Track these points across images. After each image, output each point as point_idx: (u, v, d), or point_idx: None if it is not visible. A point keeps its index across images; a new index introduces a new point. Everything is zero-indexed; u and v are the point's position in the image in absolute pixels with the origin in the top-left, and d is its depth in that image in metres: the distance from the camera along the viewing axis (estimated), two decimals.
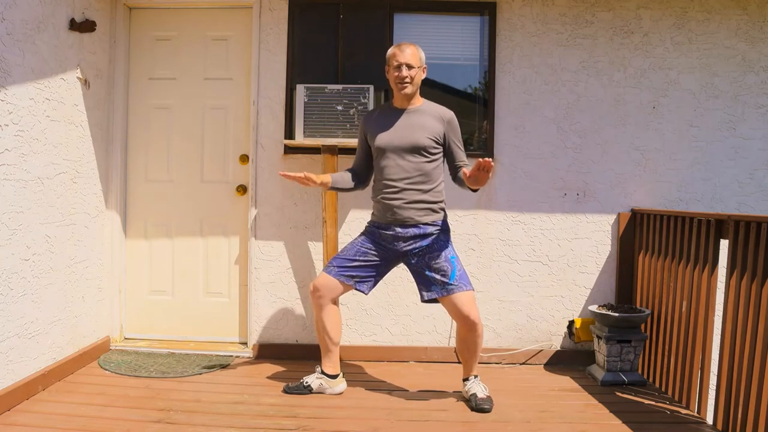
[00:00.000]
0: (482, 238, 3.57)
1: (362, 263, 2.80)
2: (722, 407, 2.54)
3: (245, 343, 3.66)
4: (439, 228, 2.78)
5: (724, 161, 3.56)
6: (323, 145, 3.34)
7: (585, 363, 3.51)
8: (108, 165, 3.58)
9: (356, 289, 2.82)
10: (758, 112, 3.56)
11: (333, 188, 2.88)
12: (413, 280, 2.84)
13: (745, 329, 2.41)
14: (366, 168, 2.95)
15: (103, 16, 3.46)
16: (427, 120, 2.77)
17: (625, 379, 3.16)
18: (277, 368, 3.33)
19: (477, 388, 2.81)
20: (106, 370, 3.21)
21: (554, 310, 3.58)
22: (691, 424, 2.65)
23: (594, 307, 3.30)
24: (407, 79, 2.73)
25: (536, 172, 3.56)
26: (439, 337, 3.59)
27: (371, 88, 3.29)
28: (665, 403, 2.91)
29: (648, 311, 3.20)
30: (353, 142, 3.22)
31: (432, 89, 3.48)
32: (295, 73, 3.55)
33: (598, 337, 3.24)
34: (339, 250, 3.21)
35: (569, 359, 3.55)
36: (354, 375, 3.24)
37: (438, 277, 2.72)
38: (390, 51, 2.79)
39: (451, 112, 2.82)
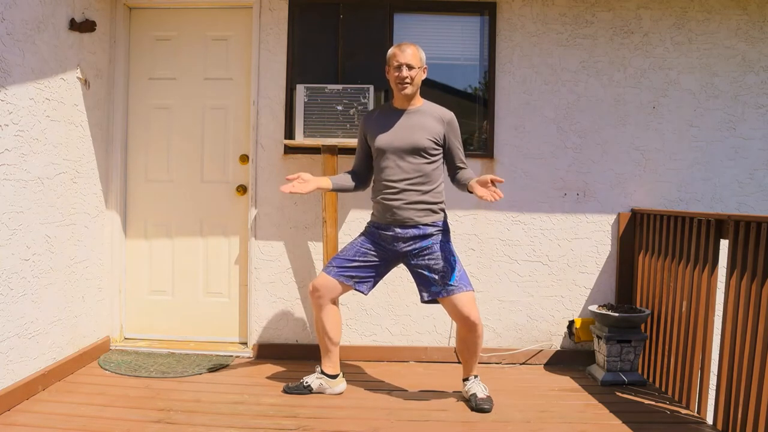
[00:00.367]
0: (482, 238, 3.57)
1: (362, 263, 2.80)
2: (722, 407, 2.54)
3: (245, 343, 3.66)
4: (439, 229, 2.78)
5: (724, 161, 3.56)
6: (323, 145, 3.34)
7: (585, 363, 3.51)
8: (108, 165, 3.58)
9: (355, 290, 2.82)
10: (758, 112, 3.56)
11: (333, 190, 2.88)
12: (413, 280, 2.84)
13: (745, 329, 2.41)
14: (366, 168, 2.94)
15: (103, 16, 3.46)
16: (427, 121, 2.77)
17: (625, 379, 3.16)
18: (277, 368, 3.33)
19: (477, 388, 2.81)
20: (106, 370, 3.21)
21: (554, 310, 3.58)
22: (691, 424, 2.65)
23: (594, 307, 3.30)
24: (407, 80, 2.72)
25: (536, 172, 3.56)
26: (439, 337, 3.59)
27: (371, 88, 3.29)
28: (665, 403, 2.91)
29: (648, 311, 3.20)
30: (353, 142, 3.22)
31: (432, 89, 3.48)
32: (295, 73, 3.55)
33: (598, 337, 3.24)
34: (339, 250, 3.20)
35: (569, 359, 3.55)
36: (354, 375, 3.24)
37: (438, 278, 2.72)
38: (390, 51, 2.78)
39: (451, 113, 2.81)
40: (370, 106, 3.26)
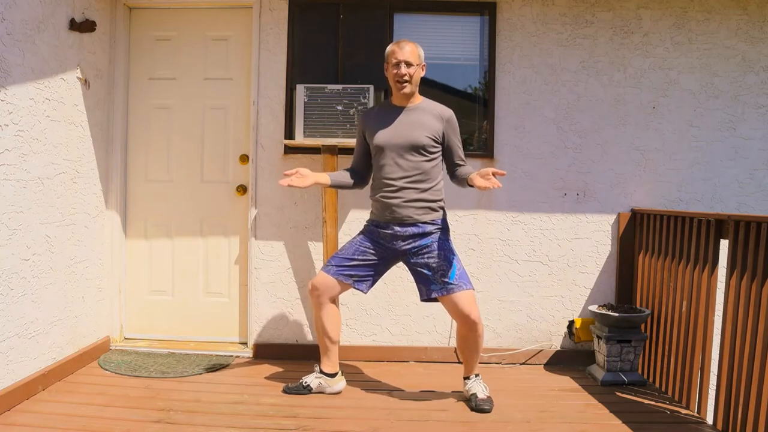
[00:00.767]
0: (482, 238, 3.57)
1: (361, 262, 2.80)
2: (722, 407, 2.54)
3: (245, 343, 3.66)
4: (438, 227, 2.77)
5: (724, 161, 3.56)
6: (323, 145, 3.34)
7: (585, 363, 3.51)
8: (108, 165, 3.58)
9: (355, 288, 2.82)
10: (758, 112, 3.56)
11: (332, 186, 2.88)
12: (413, 279, 2.84)
13: (745, 329, 2.41)
14: (365, 166, 2.94)
15: (103, 16, 3.46)
16: (426, 118, 2.76)
17: (625, 379, 3.16)
18: (277, 368, 3.33)
19: (477, 388, 2.81)
20: (106, 370, 3.21)
21: (554, 310, 3.58)
22: (691, 424, 2.65)
23: (594, 307, 3.30)
24: (406, 77, 2.72)
25: (536, 172, 3.56)
26: (439, 337, 3.59)
27: (371, 88, 3.29)
28: (665, 403, 2.91)
29: (648, 311, 3.20)
30: (353, 142, 3.22)
31: (432, 89, 3.48)
32: (295, 73, 3.55)
33: (598, 337, 3.24)
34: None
35: (569, 359, 3.55)
36: (354, 375, 3.24)
37: (438, 276, 2.71)
38: (389, 48, 2.78)
39: (451, 111, 2.81)
40: (370, 106, 3.26)
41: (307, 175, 2.72)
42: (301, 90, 3.33)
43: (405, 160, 2.74)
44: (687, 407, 2.86)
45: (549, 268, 3.57)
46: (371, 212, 2.89)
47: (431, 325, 3.58)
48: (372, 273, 2.83)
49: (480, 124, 3.59)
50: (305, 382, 2.92)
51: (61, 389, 2.90)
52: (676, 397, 2.96)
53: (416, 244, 2.75)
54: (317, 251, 3.56)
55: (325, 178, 2.81)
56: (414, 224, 2.75)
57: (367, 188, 3.01)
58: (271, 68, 3.55)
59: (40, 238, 2.87)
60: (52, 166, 2.96)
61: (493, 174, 2.51)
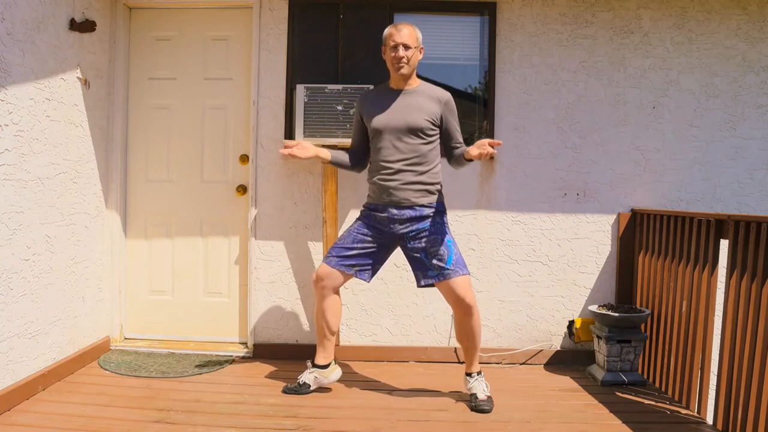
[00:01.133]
0: (482, 238, 3.57)
1: (360, 251, 2.80)
2: (722, 407, 2.54)
3: (245, 343, 3.66)
4: (434, 209, 2.77)
5: (724, 161, 3.56)
6: (323, 145, 3.33)
7: (585, 363, 3.51)
8: (108, 165, 3.58)
9: (357, 278, 2.83)
10: (758, 112, 3.56)
11: (331, 163, 2.91)
12: (410, 269, 2.83)
13: (745, 329, 2.41)
14: (363, 150, 2.95)
15: (103, 16, 3.46)
16: (423, 101, 2.77)
17: (625, 379, 3.16)
18: (277, 368, 3.33)
19: (478, 388, 2.80)
20: (106, 370, 3.21)
21: (554, 310, 3.58)
22: (691, 424, 2.65)
23: (594, 307, 3.30)
24: (404, 60, 2.72)
25: (536, 172, 3.56)
26: (439, 337, 3.59)
27: (371, 88, 3.28)
28: (665, 403, 2.91)
29: (648, 311, 3.20)
30: None
31: None
32: (295, 73, 3.55)
33: (598, 337, 3.24)
34: None
35: (569, 359, 3.55)
36: (354, 375, 3.24)
37: (435, 261, 2.71)
38: (386, 31, 2.78)
39: (449, 94, 2.81)
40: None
41: (308, 147, 2.79)
42: (301, 90, 3.33)
43: (403, 143, 2.74)
44: (687, 407, 2.86)
45: (549, 268, 3.57)
46: (368, 196, 2.89)
47: (431, 325, 3.58)
48: (372, 262, 2.83)
49: (480, 124, 3.59)
50: (302, 381, 2.92)
51: (61, 389, 2.90)
52: (676, 397, 2.96)
53: (413, 227, 2.75)
54: (317, 251, 3.56)
55: (325, 153, 2.87)
56: (411, 207, 2.75)
57: (364, 171, 3.01)
58: (271, 68, 3.55)
59: (40, 238, 2.87)
60: (52, 166, 2.96)
61: (489, 144, 2.52)
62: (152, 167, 3.69)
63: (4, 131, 2.59)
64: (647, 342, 3.30)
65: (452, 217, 3.51)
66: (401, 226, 2.76)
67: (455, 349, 3.55)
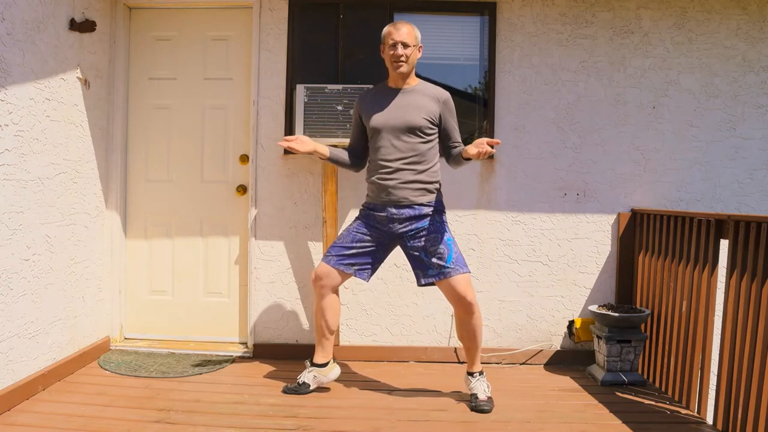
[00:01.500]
0: (482, 238, 3.57)
1: (359, 250, 2.80)
2: (722, 407, 2.55)
3: (245, 343, 3.66)
4: (433, 208, 2.77)
5: (724, 161, 3.56)
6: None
7: (585, 363, 3.51)
8: (108, 165, 3.58)
9: (356, 277, 2.83)
10: (758, 112, 3.56)
11: (330, 159, 2.90)
12: (410, 268, 2.83)
13: (745, 329, 2.41)
14: (362, 149, 2.95)
15: (103, 16, 3.46)
16: (422, 100, 2.77)
17: (625, 379, 3.16)
18: (277, 368, 3.33)
19: (479, 388, 2.80)
20: (106, 370, 3.21)
21: (554, 310, 3.58)
22: (691, 424, 2.65)
23: (594, 307, 3.30)
24: (402, 58, 2.72)
25: (536, 172, 3.56)
26: (439, 337, 3.59)
27: (371, 88, 3.28)
28: (665, 403, 2.91)
29: (648, 311, 3.20)
30: None
31: None
32: (295, 73, 3.55)
33: (598, 337, 3.24)
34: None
35: (569, 359, 3.55)
36: (354, 375, 3.24)
37: (435, 260, 2.71)
38: (385, 29, 2.78)
39: (447, 93, 2.82)
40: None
41: (307, 142, 2.79)
42: (301, 90, 3.33)
43: (401, 142, 2.74)
44: (687, 407, 2.86)
45: (549, 268, 3.57)
46: (367, 195, 2.89)
47: (431, 325, 3.58)
48: (371, 261, 2.83)
49: (480, 124, 3.59)
50: (301, 380, 2.93)
51: (61, 389, 2.90)
52: (676, 397, 2.96)
53: (413, 227, 2.75)
54: (317, 251, 3.56)
55: (324, 148, 2.85)
56: (410, 206, 2.75)
57: (363, 170, 3.01)
58: (271, 68, 3.55)
59: (40, 238, 2.87)
60: (52, 166, 2.96)
61: (488, 143, 2.52)
62: (152, 167, 3.69)
63: (4, 131, 2.59)
64: (647, 342, 3.30)
65: (452, 217, 3.51)
66: (400, 225, 2.76)
67: (455, 349, 3.55)
